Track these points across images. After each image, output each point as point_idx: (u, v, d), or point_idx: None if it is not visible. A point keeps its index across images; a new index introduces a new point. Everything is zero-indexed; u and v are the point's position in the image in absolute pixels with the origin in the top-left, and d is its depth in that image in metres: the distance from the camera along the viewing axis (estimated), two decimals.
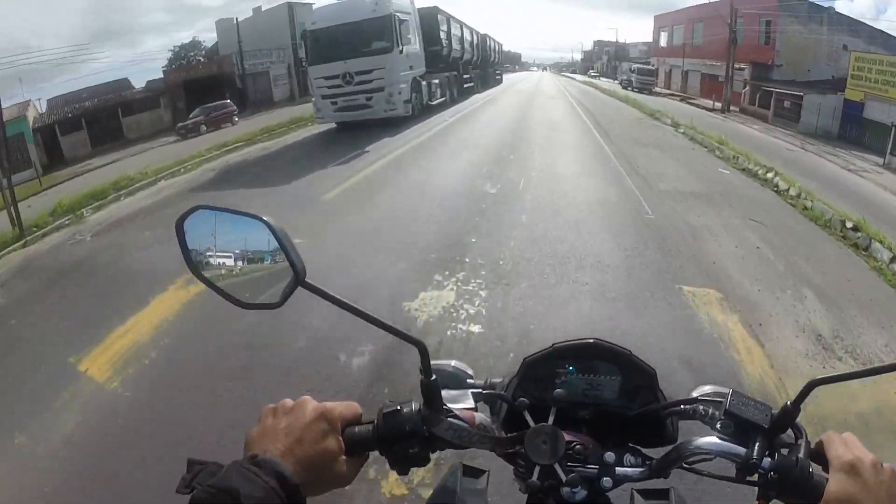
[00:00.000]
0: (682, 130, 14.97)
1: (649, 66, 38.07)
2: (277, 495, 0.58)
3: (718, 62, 32.25)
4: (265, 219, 0.73)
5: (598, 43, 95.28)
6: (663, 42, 42.86)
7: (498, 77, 37.33)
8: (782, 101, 23.50)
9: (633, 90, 35.86)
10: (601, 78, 73.07)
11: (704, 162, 11.46)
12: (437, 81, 19.71)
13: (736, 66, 30.28)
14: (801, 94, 22.04)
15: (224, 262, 0.77)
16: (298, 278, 0.72)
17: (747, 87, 26.76)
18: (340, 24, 15.33)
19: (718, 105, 26.39)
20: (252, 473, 0.58)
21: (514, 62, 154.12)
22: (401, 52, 15.55)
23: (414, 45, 16.99)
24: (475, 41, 27.07)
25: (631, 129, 15.74)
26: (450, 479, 0.92)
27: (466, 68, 25.65)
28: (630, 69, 38.33)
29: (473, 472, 0.97)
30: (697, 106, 28.10)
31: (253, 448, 0.65)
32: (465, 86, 25.10)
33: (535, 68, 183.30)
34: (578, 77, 70.50)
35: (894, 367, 0.68)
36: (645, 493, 0.93)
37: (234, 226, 0.76)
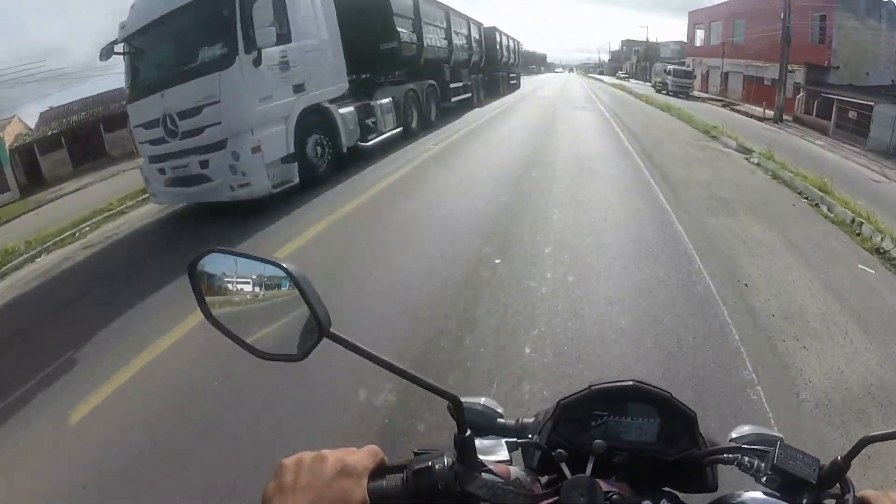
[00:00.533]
0: (755, 160, 10.86)
1: (686, 68, 34.78)
2: None
3: (763, 63, 28.98)
4: (285, 265, 0.68)
5: (626, 42, 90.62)
6: (699, 40, 39.51)
7: (514, 82, 30.34)
8: (846, 111, 20.17)
9: (668, 94, 32.75)
10: (631, 79, 69.28)
11: (826, 242, 6.27)
12: (383, 103, 11.16)
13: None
14: (871, 103, 18.69)
15: (241, 309, 0.71)
16: (323, 329, 0.66)
17: (802, 93, 23.41)
18: (156, 23, 7.66)
19: (769, 113, 23.07)
20: None
21: (539, 63, 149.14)
22: (257, 60, 7.34)
23: (308, 39, 8.44)
24: (473, 35, 19.41)
25: (693, 163, 10.36)
26: None
27: (458, 73, 17.42)
28: (665, 70, 35.04)
29: None
30: (744, 113, 24.84)
31: None
32: (456, 98, 17.11)
33: (561, 69, 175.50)
34: (607, 79, 66.83)
35: None
36: None
37: (251, 270, 0.71)
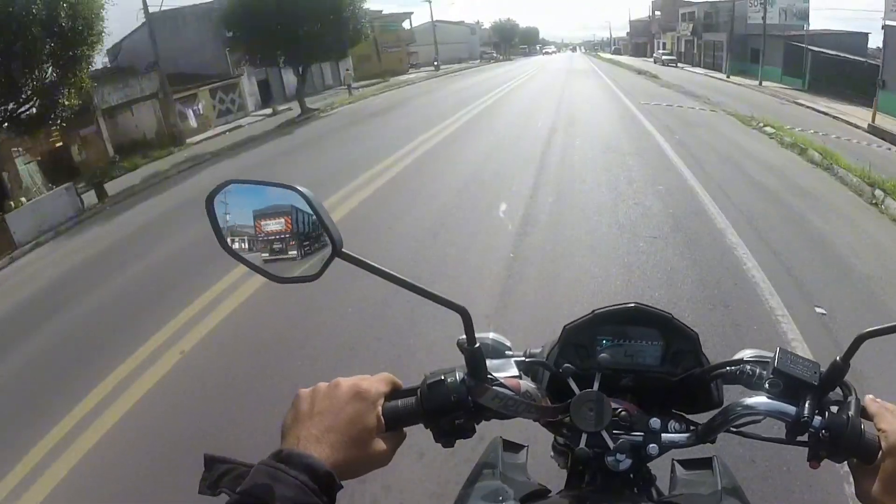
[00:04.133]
0: None
1: None
2: (310, 488, 0.56)
3: None
4: (300, 189, 0.68)
5: (661, 4, 61.18)
6: None
7: None
8: None
9: None
10: (684, 66, 41.54)
11: None
12: None
13: None
14: None
15: (256, 236, 0.73)
16: (336, 248, 0.68)
17: None
18: None
19: None
20: (280, 471, 0.56)
21: (531, 41, 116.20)
22: None
23: None
24: None
25: None
26: (491, 453, 0.90)
27: None
28: None
29: (513, 447, 0.94)
30: None
31: (288, 437, 0.63)
32: None
33: (552, 49, 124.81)
34: (650, 66, 37.91)
35: None
36: (686, 464, 0.90)
37: (266, 199, 0.73)
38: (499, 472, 0.84)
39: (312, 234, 0.70)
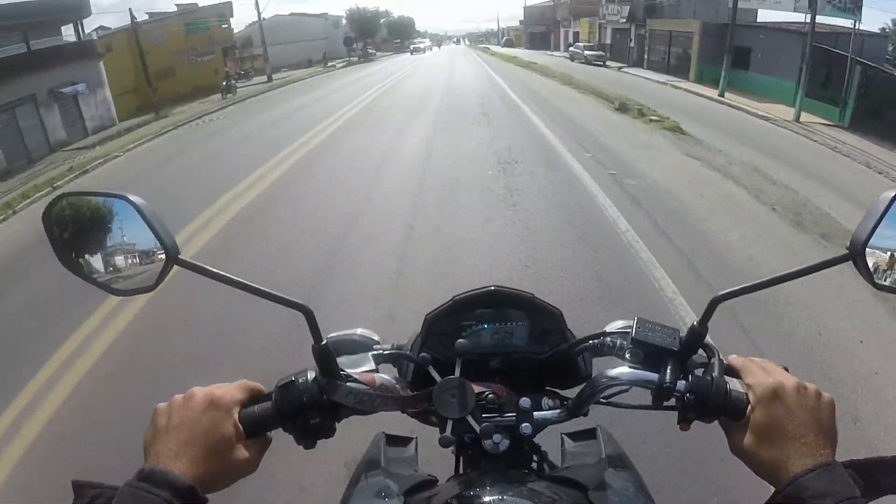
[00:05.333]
0: None
1: None
2: None
3: None
4: (129, 197, 0.67)
5: None
6: None
7: None
8: None
9: None
10: (622, 67, 30.06)
11: None
12: None
13: None
14: None
15: (95, 251, 0.71)
16: (170, 256, 0.66)
17: None
18: None
19: None
20: (143, 491, 0.56)
21: (404, 34, 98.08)
22: None
23: None
24: None
25: None
26: (374, 450, 0.88)
27: None
28: None
29: (400, 441, 0.95)
30: None
31: (149, 454, 0.62)
32: None
33: (426, 43, 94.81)
34: (574, 67, 24.56)
35: (793, 275, 0.64)
36: (574, 436, 0.92)
37: (100, 209, 0.70)
38: (381, 469, 0.82)
39: (146, 241, 0.67)
